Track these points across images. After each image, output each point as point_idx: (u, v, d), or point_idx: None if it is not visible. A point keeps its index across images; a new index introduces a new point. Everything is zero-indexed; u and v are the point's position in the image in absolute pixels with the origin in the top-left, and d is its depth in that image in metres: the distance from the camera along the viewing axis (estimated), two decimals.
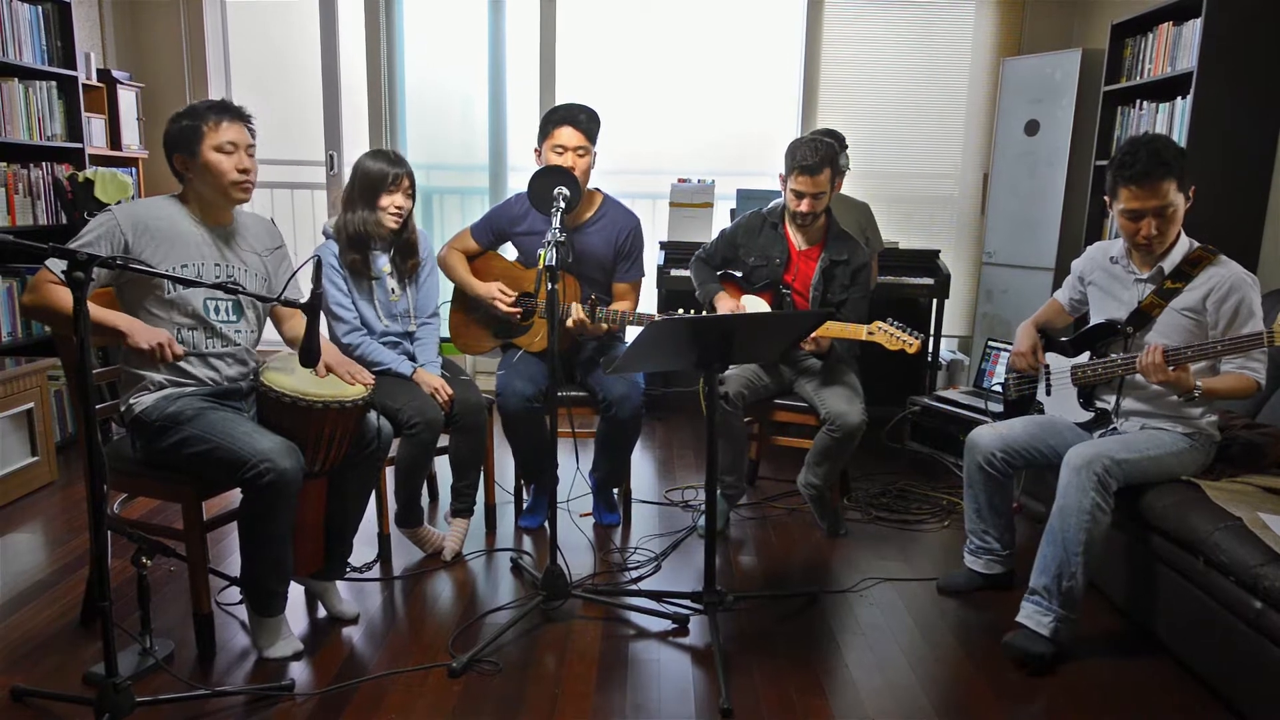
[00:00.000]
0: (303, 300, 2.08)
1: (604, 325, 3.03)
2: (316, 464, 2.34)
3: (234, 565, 2.71)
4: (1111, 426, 2.60)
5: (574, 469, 3.48)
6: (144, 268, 2.06)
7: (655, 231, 4.69)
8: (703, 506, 3.22)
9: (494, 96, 4.95)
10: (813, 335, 2.90)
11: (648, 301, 4.06)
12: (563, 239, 2.46)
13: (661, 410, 4.77)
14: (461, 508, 2.99)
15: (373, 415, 2.48)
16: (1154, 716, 2.20)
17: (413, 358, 2.96)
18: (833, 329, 2.94)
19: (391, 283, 2.94)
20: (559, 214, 2.54)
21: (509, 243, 3.26)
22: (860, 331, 2.91)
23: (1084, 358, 2.65)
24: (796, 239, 3.16)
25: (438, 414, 2.78)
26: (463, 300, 3.23)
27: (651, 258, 3.63)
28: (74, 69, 4.12)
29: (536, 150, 3.10)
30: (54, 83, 4.07)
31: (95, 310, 2.09)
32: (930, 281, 4.43)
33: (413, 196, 2.88)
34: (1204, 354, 2.33)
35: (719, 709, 2.15)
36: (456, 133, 5.11)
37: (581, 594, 2.66)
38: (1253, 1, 3.32)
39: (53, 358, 3.61)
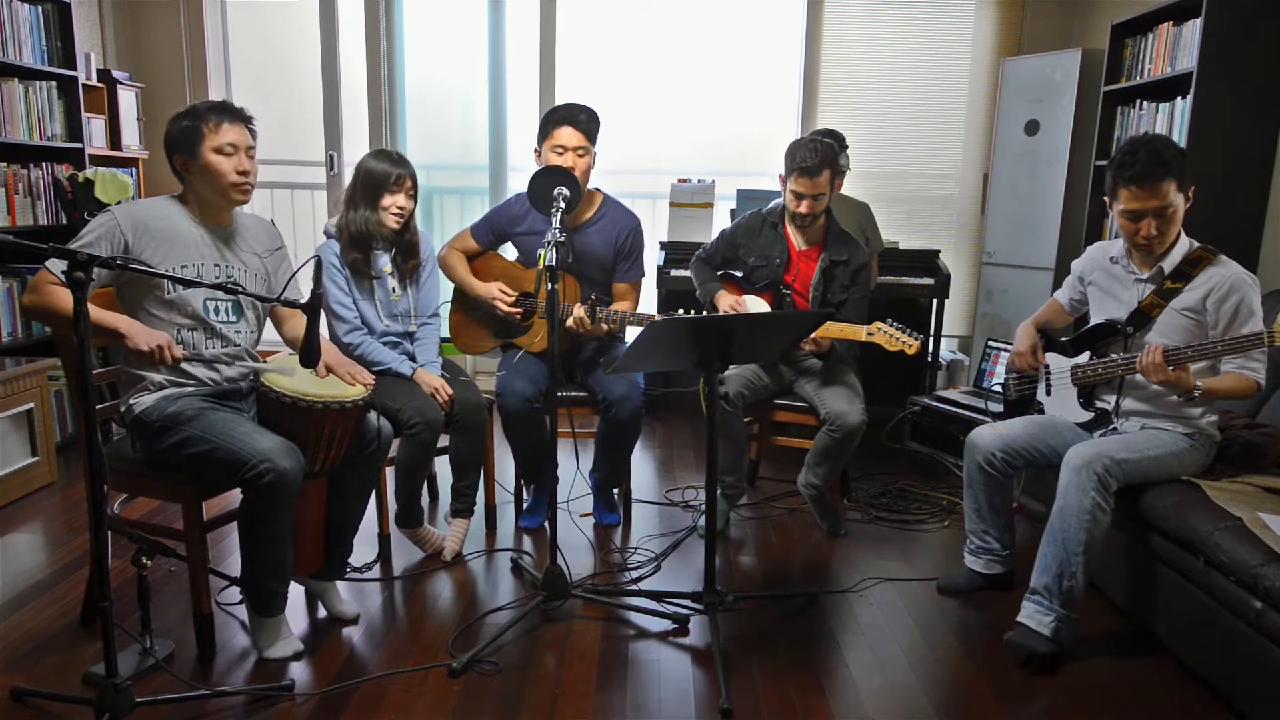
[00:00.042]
0: (302, 301, 2.08)
1: (604, 325, 3.03)
2: (316, 464, 2.34)
3: (234, 565, 2.71)
4: (1111, 426, 2.60)
5: (574, 469, 3.48)
6: (144, 268, 2.06)
7: (655, 231, 4.69)
8: (703, 506, 3.22)
9: (494, 96, 4.95)
10: (813, 335, 2.90)
11: (648, 301, 4.06)
12: (563, 239, 2.46)
13: (661, 410, 4.77)
14: (461, 508, 2.99)
15: (373, 415, 2.48)
16: (1154, 716, 2.20)
17: (413, 358, 2.96)
18: (832, 330, 2.94)
19: (392, 282, 2.94)
20: (559, 214, 2.54)
21: (509, 243, 3.26)
22: (859, 332, 2.91)
23: (1084, 358, 2.65)
24: (796, 239, 3.16)
25: (438, 414, 2.78)
26: (463, 300, 3.24)
27: (651, 258, 3.63)
28: (74, 69, 4.12)
29: (536, 150, 3.10)
30: (54, 83, 4.07)
31: (95, 312, 2.09)
32: (930, 281, 4.43)
33: (415, 197, 2.89)
34: (1204, 354, 2.33)
35: (719, 709, 2.15)
36: (456, 133, 5.11)
37: (581, 594, 2.66)
38: (1253, 1, 3.32)
39: (53, 358, 3.61)
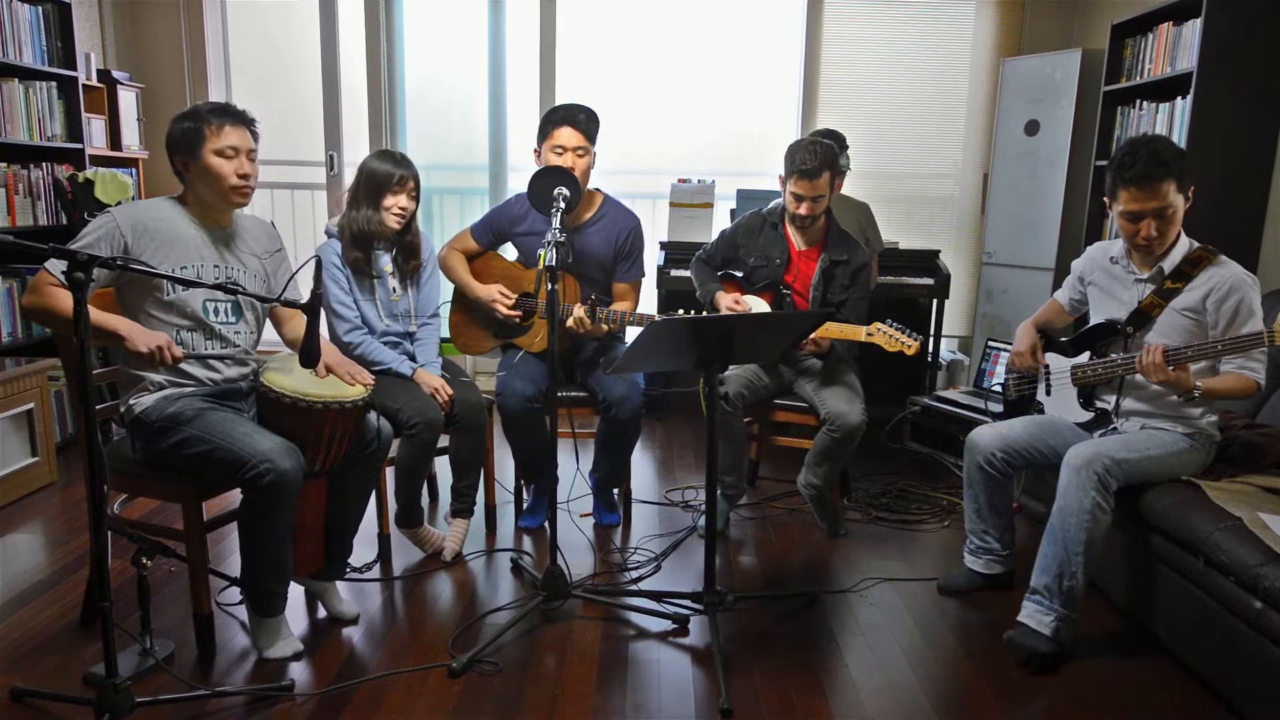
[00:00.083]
0: (302, 301, 2.08)
1: (604, 326, 3.03)
2: (316, 464, 2.34)
3: (234, 565, 2.71)
4: (1111, 426, 2.60)
5: (574, 469, 3.48)
6: (144, 268, 2.06)
7: (655, 232, 4.69)
8: (703, 506, 3.22)
9: (494, 96, 4.95)
10: (813, 335, 2.90)
11: (648, 302, 4.06)
12: (563, 239, 2.46)
13: (661, 410, 4.77)
14: (461, 508, 2.99)
15: (373, 415, 2.48)
16: (1154, 716, 2.20)
17: (413, 358, 2.96)
18: (832, 330, 2.93)
19: (393, 282, 2.94)
20: (559, 214, 2.54)
21: (509, 243, 3.26)
22: (859, 333, 2.91)
23: (1084, 358, 2.65)
24: (796, 239, 3.16)
25: (438, 414, 2.78)
26: (463, 301, 3.24)
27: (651, 258, 3.63)
28: (74, 69, 4.12)
29: (536, 151, 3.10)
30: (54, 83, 4.07)
31: (95, 313, 2.09)
32: (930, 282, 4.43)
33: (417, 198, 2.89)
34: (1204, 354, 2.33)
35: (719, 709, 2.15)
36: (456, 133, 5.11)
37: (581, 594, 2.66)
38: (1253, 1, 3.32)
39: (53, 358, 3.61)
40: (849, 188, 3.74)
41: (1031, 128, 4.53)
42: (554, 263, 2.43)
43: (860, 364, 3.24)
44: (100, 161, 4.44)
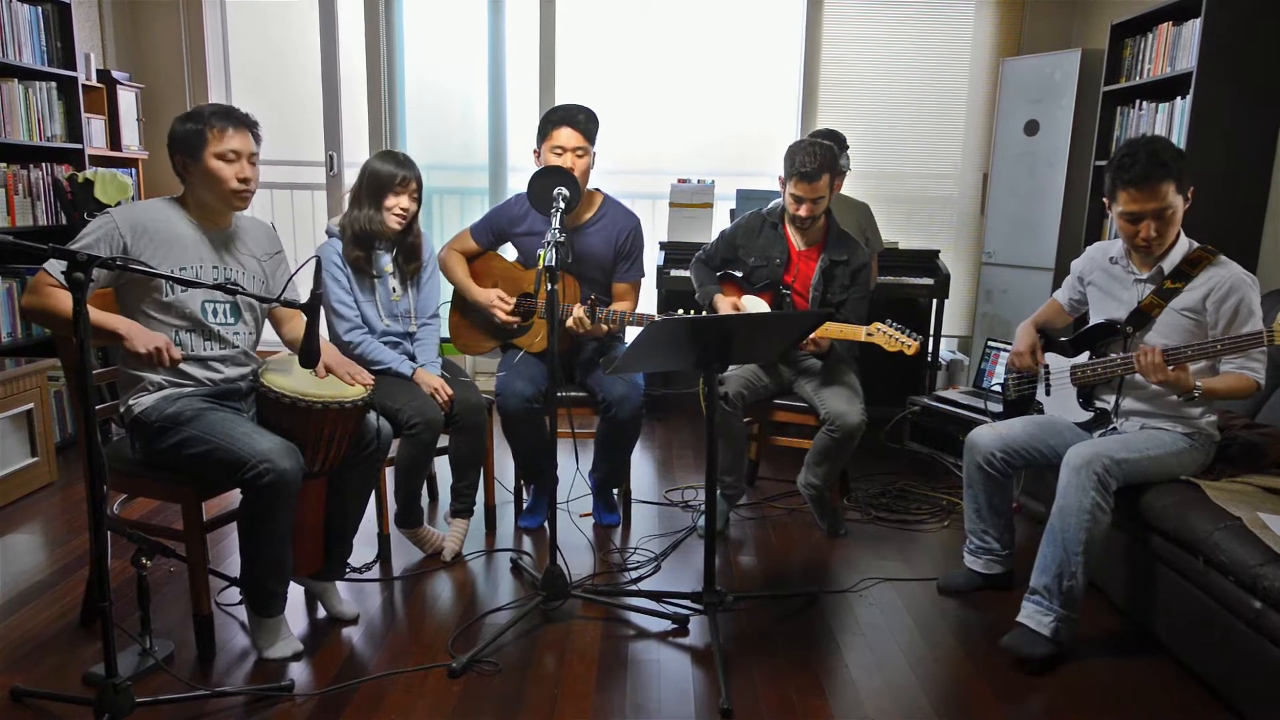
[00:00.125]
0: (302, 301, 2.08)
1: (604, 326, 3.03)
2: (316, 464, 2.34)
3: (234, 566, 2.71)
4: (1111, 426, 2.60)
5: (574, 469, 3.48)
6: (144, 268, 2.06)
7: (655, 232, 4.69)
8: (702, 507, 3.23)
9: (494, 97, 4.95)
10: (812, 335, 2.90)
11: (647, 302, 4.06)
12: (562, 239, 2.46)
13: (661, 410, 4.77)
14: (461, 508, 2.99)
15: (372, 416, 2.48)
16: (1154, 716, 2.20)
17: (413, 358, 2.96)
18: (831, 330, 2.93)
19: (393, 282, 2.94)
20: (558, 214, 2.54)
21: (509, 243, 3.26)
22: (859, 333, 2.91)
23: (1083, 358, 2.65)
24: (796, 239, 3.16)
25: (437, 414, 2.78)
26: (462, 302, 3.24)
27: (651, 258, 3.63)
28: (74, 70, 4.12)
29: (535, 151, 3.09)
30: (54, 83, 4.07)
31: (94, 313, 2.09)
32: (930, 281, 4.43)
33: (419, 200, 2.89)
34: (1203, 353, 2.34)
35: (719, 709, 2.15)
36: (456, 133, 5.11)
37: (581, 594, 2.66)
38: (1253, 1, 3.33)
39: (52, 358, 3.61)
40: (849, 188, 3.74)
41: (1031, 128, 4.53)
42: (553, 263, 2.43)
43: (860, 364, 3.24)
44: (100, 162, 4.44)
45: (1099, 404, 2.63)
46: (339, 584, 2.61)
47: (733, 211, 4.64)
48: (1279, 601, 1.98)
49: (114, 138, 4.59)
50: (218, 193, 2.29)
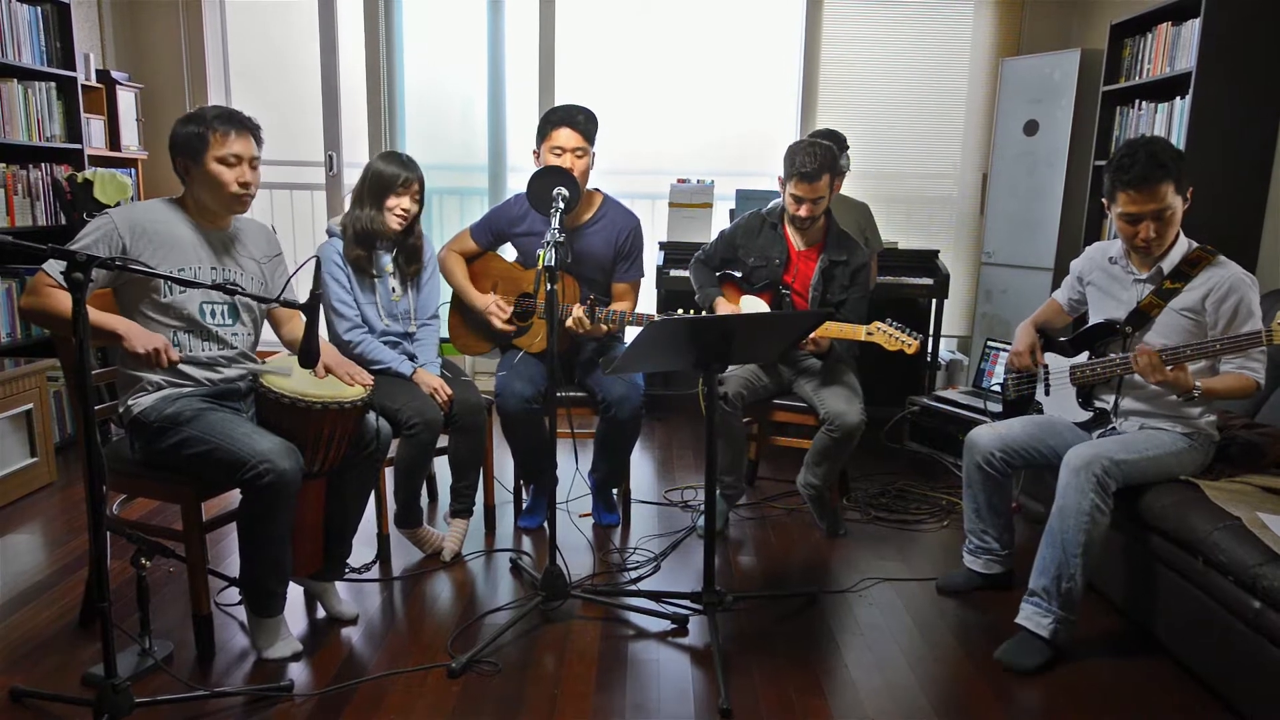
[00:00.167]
0: (302, 301, 2.08)
1: (603, 326, 3.03)
2: (315, 465, 2.34)
3: (233, 566, 2.71)
4: (1110, 426, 2.60)
5: (573, 469, 3.48)
6: (144, 268, 2.06)
7: (655, 232, 4.69)
8: (702, 507, 3.23)
9: (493, 97, 4.95)
10: (812, 335, 2.90)
11: (647, 302, 4.06)
12: (561, 239, 2.46)
13: (661, 410, 4.77)
14: (461, 508, 2.99)
15: (372, 416, 2.48)
16: (1154, 716, 2.20)
17: (413, 358, 2.97)
18: (831, 329, 2.94)
19: (393, 281, 2.94)
20: (558, 214, 2.54)
21: (508, 243, 3.26)
22: (859, 332, 2.91)
23: (1083, 358, 2.65)
24: (796, 239, 3.16)
25: (437, 414, 2.78)
26: (461, 303, 3.23)
27: (651, 258, 3.63)
28: (73, 70, 4.12)
29: (535, 152, 3.09)
30: (53, 83, 4.07)
31: (93, 314, 2.09)
32: (929, 281, 4.43)
33: (421, 202, 2.90)
34: (1201, 353, 2.33)
35: (718, 709, 2.15)
36: (456, 133, 5.10)
37: (581, 594, 2.66)
38: (1252, 1, 3.33)
39: (52, 359, 3.61)
40: (848, 188, 3.74)
41: (1030, 128, 4.53)
42: (553, 263, 2.43)
43: (859, 364, 3.24)
44: (99, 162, 4.43)
45: (1098, 404, 2.63)
46: (338, 584, 2.61)
47: (732, 212, 4.64)
48: (1278, 601, 1.98)
49: (113, 138, 4.59)
50: (218, 196, 2.29)
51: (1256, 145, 3.42)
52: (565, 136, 2.98)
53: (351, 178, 2.86)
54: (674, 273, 4.45)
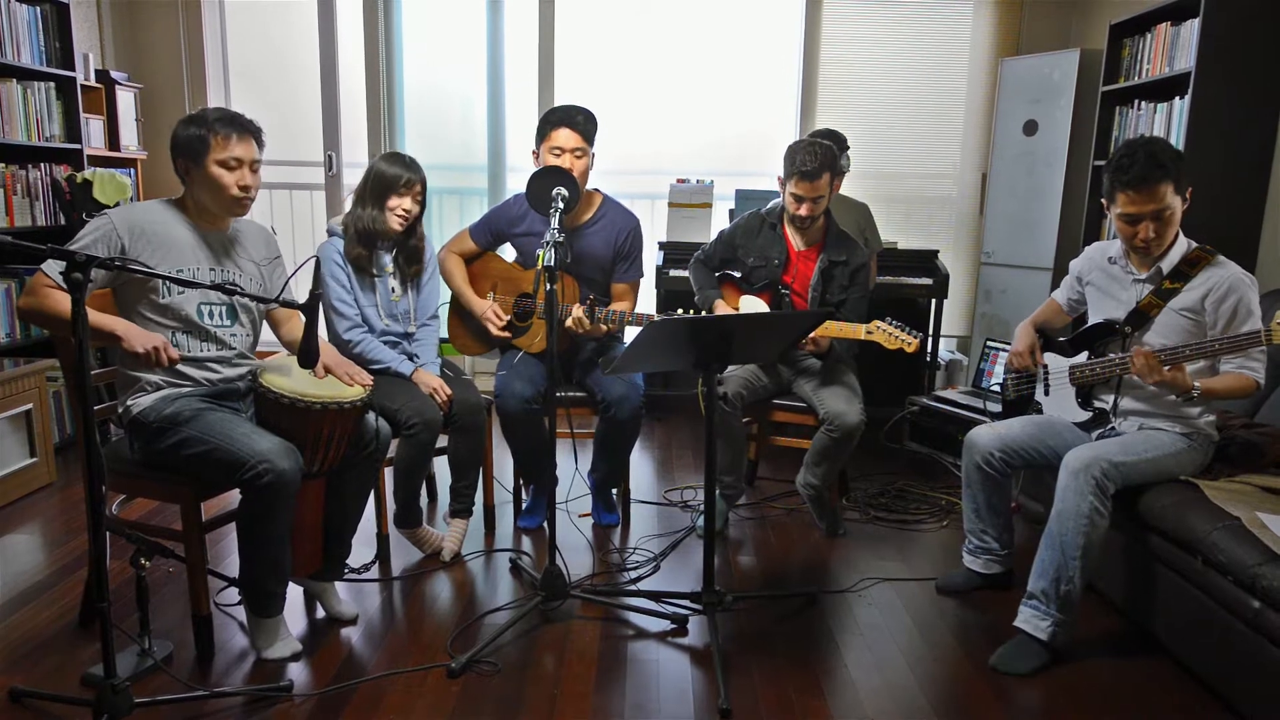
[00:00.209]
0: (301, 301, 2.08)
1: (603, 326, 3.03)
2: (315, 465, 2.34)
3: (233, 566, 2.71)
4: (1110, 426, 2.60)
5: (573, 469, 3.48)
6: (143, 268, 2.05)
7: (654, 232, 4.69)
8: (701, 507, 3.23)
9: (493, 97, 4.95)
10: (812, 335, 2.90)
11: (646, 302, 4.06)
12: (561, 239, 2.46)
13: (660, 410, 4.77)
14: (460, 508, 2.99)
15: (371, 416, 2.48)
16: (1154, 716, 2.20)
17: (412, 358, 2.96)
18: (831, 329, 2.94)
19: (393, 282, 2.94)
20: (557, 214, 2.54)
21: (508, 244, 3.26)
22: (859, 331, 2.91)
23: (1082, 358, 2.65)
24: (795, 239, 3.16)
25: (436, 414, 2.78)
26: (459, 305, 3.23)
27: (650, 258, 3.63)
28: (72, 70, 4.12)
29: (534, 152, 3.09)
30: (52, 83, 4.07)
31: (92, 314, 2.08)
32: (929, 281, 4.43)
33: (422, 203, 2.90)
34: (1201, 353, 2.34)
35: (718, 709, 2.15)
36: (455, 133, 5.10)
37: (580, 594, 2.66)
38: (1251, 1, 3.33)
39: (51, 359, 3.61)
40: (848, 188, 3.74)
41: (1030, 128, 4.53)
42: (552, 263, 2.43)
43: (859, 364, 3.24)
44: (98, 162, 4.43)
45: (1097, 404, 2.63)
46: (338, 584, 2.61)
47: (732, 211, 4.64)
48: (1277, 601, 1.98)
49: (112, 138, 4.58)
50: (218, 199, 2.29)
51: (1256, 145, 3.42)
52: (564, 137, 2.98)
53: (351, 178, 2.86)
54: (673, 273, 4.45)
